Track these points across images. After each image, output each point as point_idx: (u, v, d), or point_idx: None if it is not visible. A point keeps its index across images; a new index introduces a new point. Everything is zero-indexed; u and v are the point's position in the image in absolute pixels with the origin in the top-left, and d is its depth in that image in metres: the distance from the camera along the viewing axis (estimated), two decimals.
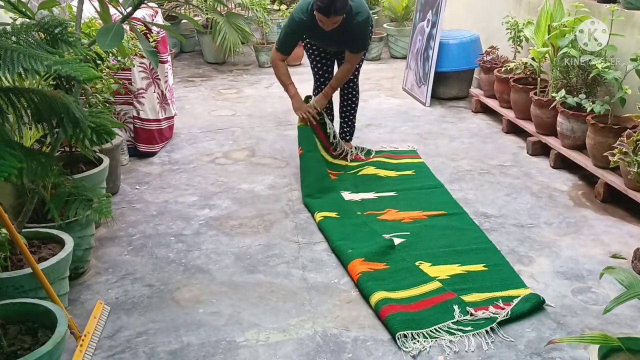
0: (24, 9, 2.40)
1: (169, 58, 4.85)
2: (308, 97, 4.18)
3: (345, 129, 4.46)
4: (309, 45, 4.20)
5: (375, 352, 2.46)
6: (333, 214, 3.51)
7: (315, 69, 4.29)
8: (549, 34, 4.25)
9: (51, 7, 2.65)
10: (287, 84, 4.05)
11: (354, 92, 4.34)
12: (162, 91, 4.61)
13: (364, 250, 3.09)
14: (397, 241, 3.22)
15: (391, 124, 5.14)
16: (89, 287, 2.92)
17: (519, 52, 4.98)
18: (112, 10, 2.77)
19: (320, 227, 3.42)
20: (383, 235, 3.26)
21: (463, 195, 3.80)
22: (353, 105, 4.38)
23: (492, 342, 2.50)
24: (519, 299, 2.71)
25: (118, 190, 3.92)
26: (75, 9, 2.77)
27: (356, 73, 4.26)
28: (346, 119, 4.43)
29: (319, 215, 3.50)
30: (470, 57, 5.57)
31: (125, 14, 2.57)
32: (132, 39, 3.84)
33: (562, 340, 2.20)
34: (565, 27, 4.10)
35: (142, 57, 4.19)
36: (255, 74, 6.95)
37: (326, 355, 2.44)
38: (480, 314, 2.64)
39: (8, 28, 1.97)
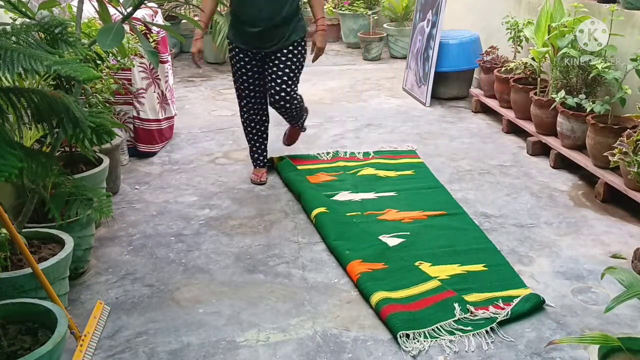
0: (24, 9, 2.40)
1: (169, 58, 4.85)
2: (281, 158, 4.30)
3: (295, 121, 4.14)
4: (234, 52, 3.75)
5: (375, 352, 2.46)
6: (323, 209, 3.52)
7: (241, 85, 3.84)
8: (549, 34, 4.24)
9: (51, 7, 2.64)
10: (201, 20, 3.73)
11: (296, 102, 3.89)
12: (162, 91, 4.61)
13: (361, 252, 3.09)
14: (397, 241, 3.22)
15: (391, 124, 5.14)
16: (89, 287, 2.92)
17: (519, 52, 4.98)
18: (112, 10, 2.77)
19: (316, 226, 3.43)
20: (378, 237, 3.26)
21: (463, 195, 3.80)
22: (299, 108, 3.98)
23: (492, 342, 2.50)
24: (519, 299, 2.71)
25: (118, 190, 3.92)
26: (75, 9, 2.77)
27: (293, 87, 3.80)
28: (293, 114, 4.02)
29: (313, 214, 3.51)
30: (470, 57, 5.57)
31: (125, 14, 2.57)
32: (133, 39, 3.84)
33: (562, 341, 2.20)
34: (565, 27, 4.10)
35: (142, 57, 4.19)
36: None
37: (326, 355, 2.44)
38: (481, 313, 2.64)
39: (8, 28, 1.97)
